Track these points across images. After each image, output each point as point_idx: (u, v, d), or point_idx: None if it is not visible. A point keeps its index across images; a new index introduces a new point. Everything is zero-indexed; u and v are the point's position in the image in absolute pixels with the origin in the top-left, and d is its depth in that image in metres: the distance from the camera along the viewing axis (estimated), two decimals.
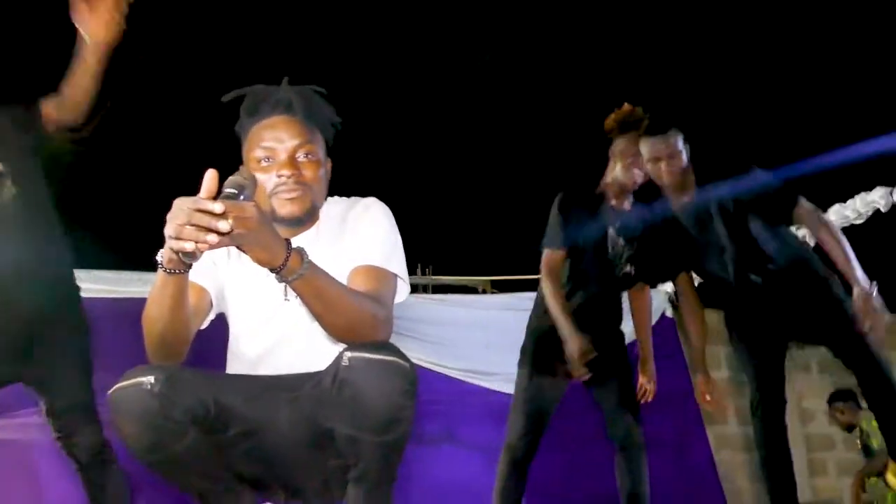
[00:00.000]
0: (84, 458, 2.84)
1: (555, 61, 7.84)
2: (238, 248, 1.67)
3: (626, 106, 3.59)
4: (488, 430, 5.62)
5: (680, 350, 6.05)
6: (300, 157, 1.97)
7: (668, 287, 6.17)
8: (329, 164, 2.09)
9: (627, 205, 3.63)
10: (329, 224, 2.06)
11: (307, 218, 2.01)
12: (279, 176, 1.94)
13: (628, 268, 3.63)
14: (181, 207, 1.56)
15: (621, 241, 3.60)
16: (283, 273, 1.69)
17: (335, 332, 1.83)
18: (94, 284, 5.00)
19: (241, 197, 1.65)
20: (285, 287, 1.88)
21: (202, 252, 1.58)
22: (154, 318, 1.81)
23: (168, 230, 1.57)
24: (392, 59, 7.62)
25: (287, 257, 1.67)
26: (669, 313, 6.26)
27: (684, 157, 3.37)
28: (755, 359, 3.47)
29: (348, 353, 1.73)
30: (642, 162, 3.44)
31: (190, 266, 1.69)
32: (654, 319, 5.98)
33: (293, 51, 7.19)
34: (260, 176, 1.93)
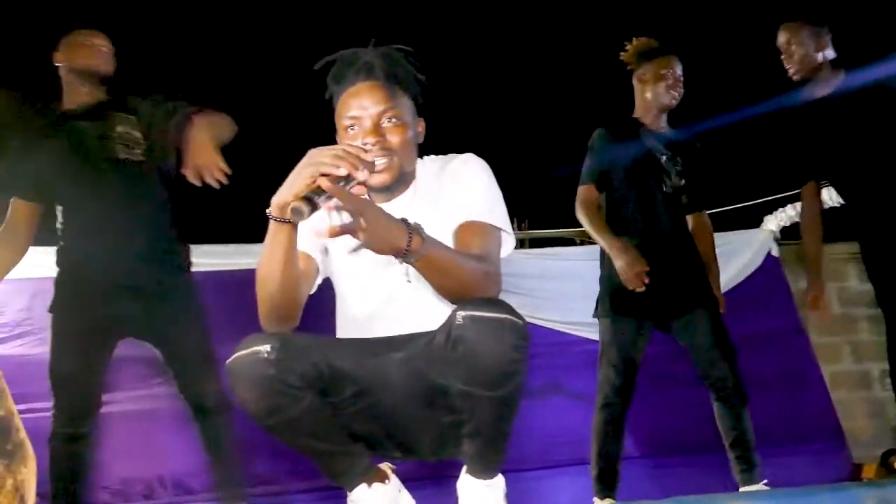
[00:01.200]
0: (209, 404, 3.07)
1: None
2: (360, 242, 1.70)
3: (642, 39, 3.68)
4: (588, 379, 5.59)
5: (786, 288, 5.90)
6: (385, 122, 1.97)
7: (772, 225, 6.03)
8: (421, 125, 2.08)
9: (665, 126, 3.65)
10: (426, 184, 2.06)
11: (399, 183, 2.01)
12: (364, 144, 1.93)
13: (681, 182, 3.58)
14: (321, 151, 1.70)
15: (665, 158, 3.57)
16: (405, 258, 1.74)
17: (448, 295, 1.85)
18: (205, 259, 5.14)
19: (350, 183, 1.68)
20: (407, 269, 1.90)
21: (306, 212, 1.61)
22: (266, 277, 1.84)
23: (316, 166, 1.68)
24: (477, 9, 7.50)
25: (409, 241, 1.71)
26: (775, 252, 6.10)
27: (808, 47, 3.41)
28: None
29: (461, 312, 1.75)
30: (678, 82, 3.55)
31: (300, 216, 1.67)
32: (760, 260, 5.87)
33: (371, 9, 7.13)
34: (349, 142, 1.93)
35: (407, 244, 1.71)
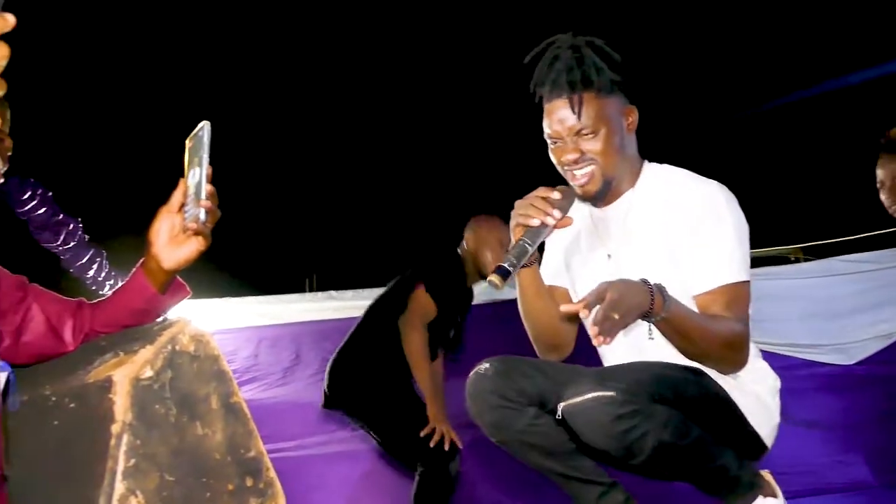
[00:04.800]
0: None
1: None
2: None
3: None
4: (816, 404, 5.30)
5: None
6: (583, 133, 2.00)
7: None
8: (632, 115, 2.07)
9: None
10: (649, 200, 2.05)
11: (606, 189, 2.04)
12: (566, 159, 2.02)
13: None
14: (518, 203, 1.89)
15: None
16: (646, 317, 1.79)
17: (689, 358, 1.90)
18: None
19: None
20: (649, 326, 1.90)
21: (499, 283, 1.75)
22: (524, 315, 2.06)
23: (515, 218, 1.88)
24: None
25: (651, 302, 1.76)
26: None
27: None
28: None
29: (560, 404, 1.82)
30: None
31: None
32: None
33: None
34: (553, 156, 2.06)
35: (650, 305, 1.75)
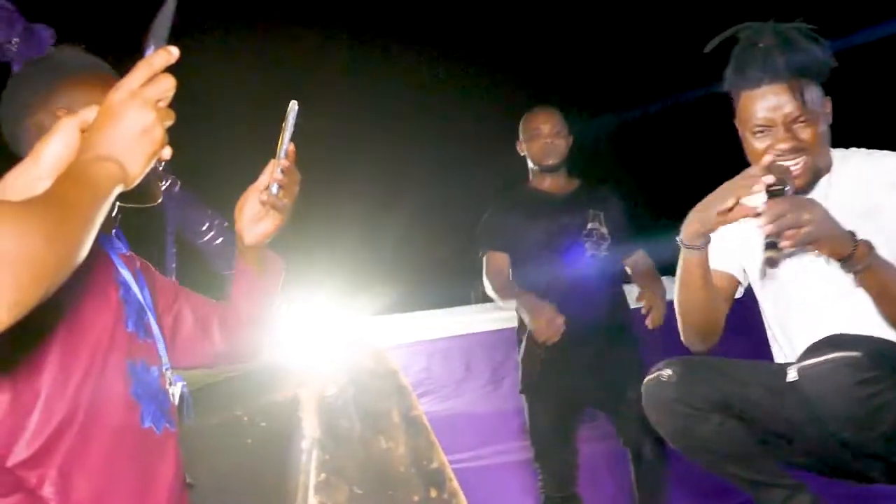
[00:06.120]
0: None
1: None
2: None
3: None
4: None
5: None
6: (800, 121, 1.89)
7: None
8: (828, 105, 1.96)
9: None
10: (845, 184, 1.94)
11: (813, 183, 1.93)
12: (778, 148, 1.88)
13: None
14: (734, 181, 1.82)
15: None
16: (849, 263, 1.72)
17: (893, 322, 1.78)
18: None
19: (787, 189, 1.74)
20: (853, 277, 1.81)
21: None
22: (687, 305, 1.96)
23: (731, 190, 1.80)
24: None
25: (854, 247, 1.69)
26: None
27: None
28: None
29: (795, 365, 1.73)
30: None
31: (707, 241, 1.81)
32: None
33: None
34: (757, 145, 1.92)
35: (851, 250, 1.69)
